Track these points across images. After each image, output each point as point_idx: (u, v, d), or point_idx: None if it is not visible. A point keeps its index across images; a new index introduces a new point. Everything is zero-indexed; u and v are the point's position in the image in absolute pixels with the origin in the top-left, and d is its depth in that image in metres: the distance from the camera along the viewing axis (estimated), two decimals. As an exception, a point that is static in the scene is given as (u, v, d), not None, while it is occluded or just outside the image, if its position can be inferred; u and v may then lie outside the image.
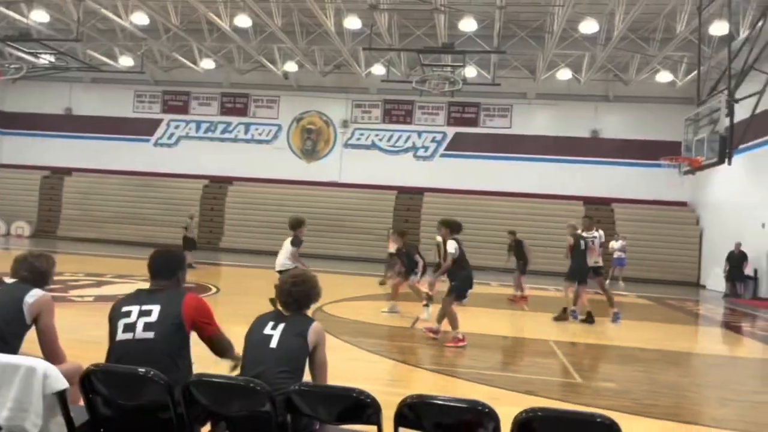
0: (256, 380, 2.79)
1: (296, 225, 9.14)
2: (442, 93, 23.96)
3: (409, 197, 26.53)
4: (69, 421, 2.82)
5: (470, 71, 23.48)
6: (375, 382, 5.84)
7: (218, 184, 27.60)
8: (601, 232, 11.16)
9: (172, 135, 28.63)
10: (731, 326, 12.92)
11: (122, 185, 27.71)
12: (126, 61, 25.43)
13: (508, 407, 2.64)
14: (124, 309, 3.15)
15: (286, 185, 27.03)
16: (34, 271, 3.54)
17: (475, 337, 8.79)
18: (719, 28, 17.08)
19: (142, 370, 2.78)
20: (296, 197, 26.38)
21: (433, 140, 27.00)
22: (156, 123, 28.64)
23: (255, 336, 3.16)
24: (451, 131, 26.88)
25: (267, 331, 3.14)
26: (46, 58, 23.61)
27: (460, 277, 7.93)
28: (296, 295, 3.30)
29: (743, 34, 16.28)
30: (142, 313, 3.10)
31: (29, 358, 2.92)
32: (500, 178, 25.95)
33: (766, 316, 14.75)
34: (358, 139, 27.48)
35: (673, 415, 5.47)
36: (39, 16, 20.46)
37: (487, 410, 2.59)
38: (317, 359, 3.21)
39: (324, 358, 3.24)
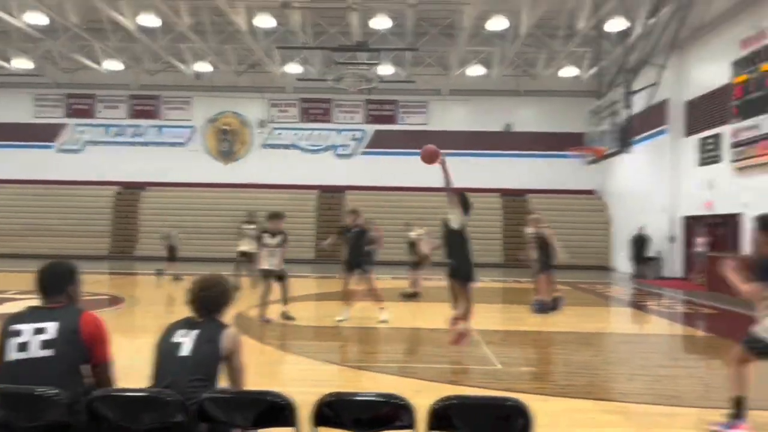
0: (167, 390, 2.70)
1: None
2: (359, 91, 24.08)
3: (331, 196, 26.46)
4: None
5: (386, 69, 23.71)
6: (300, 384, 5.80)
7: (131, 191, 26.46)
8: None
9: (77, 140, 27.18)
10: (638, 305, 13.73)
11: (25, 195, 26.04)
12: (23, 64, 23.89)
13: (431, 399, 2.67)
14: (14, 328, 2.91)
15: (203, 188, 26.30)
16: None
17: (401, 332, 8.90)
18: (616, 24, 18.09)
19: (39, 389, 2.62)
20: (215, 200, 25.73)
21: (353, 138, 27.05)
22: (59, 128, 27.09)
23: (165, 345, 3.04)
24: (370, 129, 27.03)
25: (178, 338, 3.03)
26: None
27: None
28: (203, 301, 3.19)
29: (638, 29, 17.31)
30: (37, 331, 2.88)
31: None
32: (420, 174, 26.17)
33: (670, 294, 15.79)
34: (277, 139, 27.12)
35: (587, 393, 5.75)
36: None
37: (402, 403, 2.63)
38: (233, 366, 3.12)
39: (240, 364, 3.15)
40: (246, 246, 13.75)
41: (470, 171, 26.28)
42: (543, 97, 26.32)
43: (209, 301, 3.18)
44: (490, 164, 26.40)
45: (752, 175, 15.69)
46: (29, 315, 2.99)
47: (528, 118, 26.70)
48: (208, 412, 2.71)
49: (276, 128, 27.11)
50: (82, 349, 2.94)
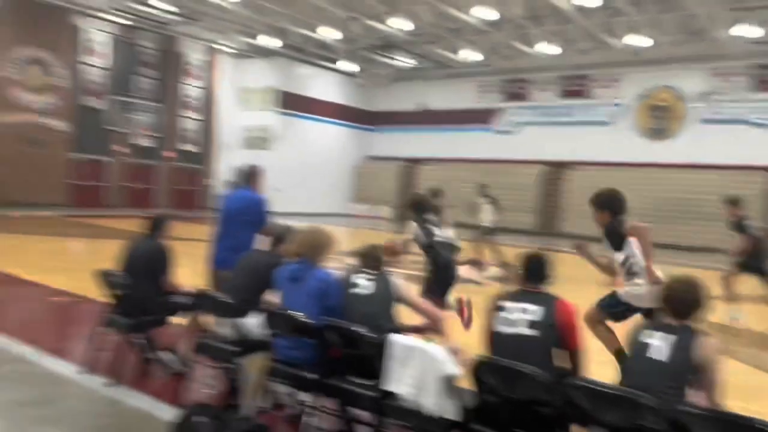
0: (641, 393, 2.67)
1: None
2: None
3: (784, 179, 22.24)
4: (462, 404, 3.13)
5: None
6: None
7: (556, 169, 27.45)
8: None
9: (511, 122, 29.54)
10: None
11: (468, 173, 29.69)
12: (468, 55, 26.94)
13: None
14: (501, 303, 3.36)
15: (627, 168, 25.34)
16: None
17: None
18: None
19: (523, 366, 2.92)
20: (641, 180, 24.45)
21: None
22: (496, 111, 29.86)
23: (638, 344, 3.01)
24: None
25: (652, 340, 2.95)
26: (406, 61, 26.82)
27: None
28: (690, 303, 3.02)
29: None
30: (523, 311, 3.26)
31: (424, 343, 3.34)
32: None
33: None
34: (716, 112, 24.12)
35: None
36: (400, 24, 23.10)
37: None
38: (706, 379, 2.89)
39: (715, 378, 2.90)
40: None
41: None
42: None
43: (692, 303, 3.02)
44: None
45: None
46: (517, 295, 3.39)
47: None
48: (683, 426, 2.57)
49: (717, 101, 24.10)
50: (556, 334, 3.19)
